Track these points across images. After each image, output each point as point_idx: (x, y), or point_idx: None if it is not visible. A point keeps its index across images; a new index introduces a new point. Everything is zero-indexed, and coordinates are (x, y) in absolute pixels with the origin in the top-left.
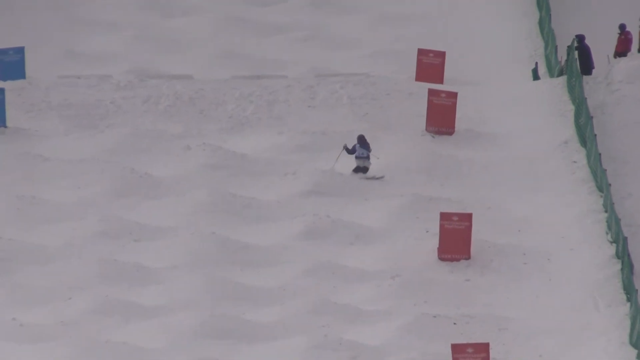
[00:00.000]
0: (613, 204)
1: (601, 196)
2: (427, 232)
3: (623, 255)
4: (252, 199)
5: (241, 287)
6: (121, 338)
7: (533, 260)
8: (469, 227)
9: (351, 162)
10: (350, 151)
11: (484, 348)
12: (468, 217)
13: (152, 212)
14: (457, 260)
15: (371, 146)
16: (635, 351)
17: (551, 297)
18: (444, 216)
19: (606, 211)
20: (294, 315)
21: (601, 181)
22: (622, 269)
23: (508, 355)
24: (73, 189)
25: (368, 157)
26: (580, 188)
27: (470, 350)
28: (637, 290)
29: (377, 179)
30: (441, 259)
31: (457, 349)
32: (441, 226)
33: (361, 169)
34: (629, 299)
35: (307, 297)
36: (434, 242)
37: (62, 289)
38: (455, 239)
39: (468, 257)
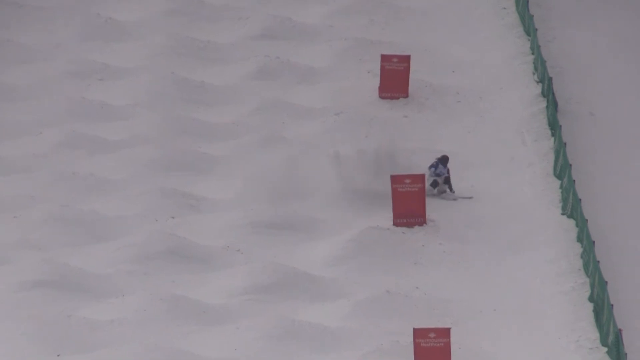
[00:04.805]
0: (539, 46)
1: (528, 40)
2: (368, 72)
3: (548, 93)
4: (208, 41)
5: (197, 123)
6: (87, 169)
7: (466, 98)
8: (407, 68)
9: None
10: (433, 166)
11: (420, 178)
12: (406, 58)
13: (116, 54)
14: (396, 98)
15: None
16: (558, 182)
17: (482, 133)
18: (385, 58)
19: (533, 53)
20: (246, 149)
21: (528, 26)
22: (547, 107)
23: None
24: (44, 33)
25: (446, 181)
26: (509, 32)
27: (408, 180)
28: (560, 126)
29: (467, 198)
30: (381, 97)
31: (395, 180)
32: (382, 67)
33: (437, 185)
34: (553, 134)
35: (258, 131)
36: (375, 82)
37: (33, 124)
38: (394, 79)
39: (406, 96)
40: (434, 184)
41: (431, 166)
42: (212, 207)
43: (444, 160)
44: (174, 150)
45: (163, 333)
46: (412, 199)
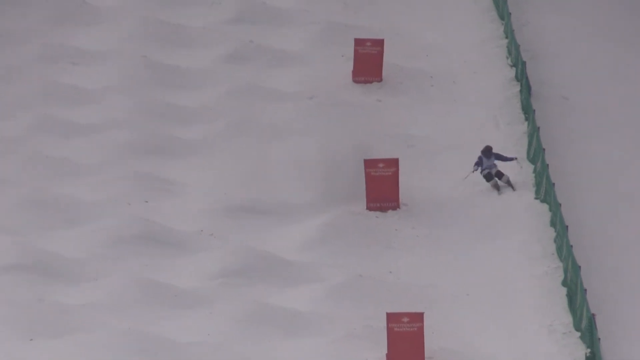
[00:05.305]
0: (513, 31)
1: (502, 24)
2: (342, 56)
3: (522, 77)
4: (180, 25)
5: (171, 107)
6: (60, 153)
7: (439, 82)
8: (381, 52)
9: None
10: (477, 164)
11: (394, 162)
12: (380, 42)
13: (89, 37)
14: (370, 82)
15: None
16: (532, 166)
17: (456, 117)
18: (358, 42)
19: (507, 37)
20: (219, 133)
21: (502, 10)
22: (521, 91)
23: (415, 170)
24: (17, 16)
25: (498, 175)
26: (483, 16)
27: (381, 165)
28: (534, 110)
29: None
30: (355, 81)
31: (369, 164)
32: (355, 51)
33: (495, 187)
34: (526, 118)
35: (231, 115)
36: (349, 66)
37: (6, 108)
38: (368, 63)
39: (380, 80)
40: (489, 177)
41: (476, 164)
42: (186, 191)
43: (486, 152)
44: (147, 134)
45: (136, 317)
46: (386, 183)
